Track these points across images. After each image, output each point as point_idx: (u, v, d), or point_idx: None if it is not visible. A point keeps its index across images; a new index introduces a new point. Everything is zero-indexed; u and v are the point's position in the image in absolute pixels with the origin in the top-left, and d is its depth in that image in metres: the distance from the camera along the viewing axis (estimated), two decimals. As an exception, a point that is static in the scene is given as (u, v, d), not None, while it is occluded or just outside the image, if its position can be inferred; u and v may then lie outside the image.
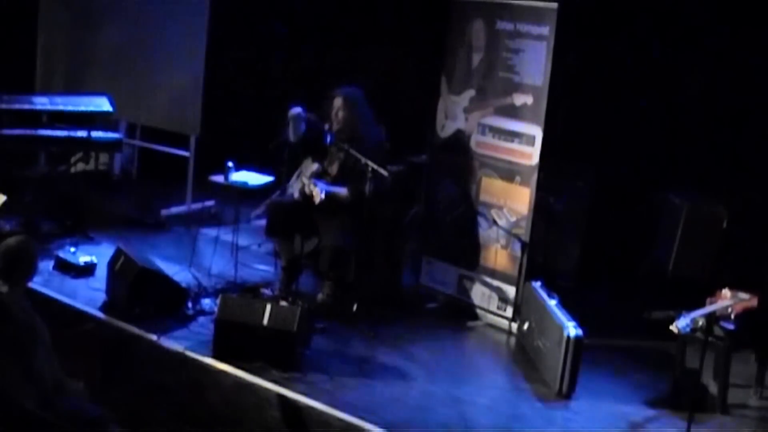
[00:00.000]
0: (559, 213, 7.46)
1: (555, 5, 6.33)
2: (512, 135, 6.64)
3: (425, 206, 7.31)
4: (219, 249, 7.43)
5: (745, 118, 7.50)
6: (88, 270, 6.97)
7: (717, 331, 5.49)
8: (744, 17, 7.42)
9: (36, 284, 5.80)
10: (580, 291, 7.07)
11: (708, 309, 5.41)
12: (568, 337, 5.63)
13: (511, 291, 6.69)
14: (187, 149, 8.74)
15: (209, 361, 5.74)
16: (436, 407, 5.46)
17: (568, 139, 7.41)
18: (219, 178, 7.20)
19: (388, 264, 7.12)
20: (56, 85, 9.30)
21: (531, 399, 5.72)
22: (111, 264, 6.55)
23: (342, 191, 6.58)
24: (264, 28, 9.29)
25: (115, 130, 8.78)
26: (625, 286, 7.43)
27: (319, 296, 6.70)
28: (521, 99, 6.56)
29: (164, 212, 8.55)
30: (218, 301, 5.96)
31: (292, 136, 6.66)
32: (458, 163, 6.98)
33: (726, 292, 5.66)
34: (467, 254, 6.94)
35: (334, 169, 6.71)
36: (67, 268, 6.95)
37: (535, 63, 6.46)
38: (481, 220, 6.87)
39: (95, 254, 7.13)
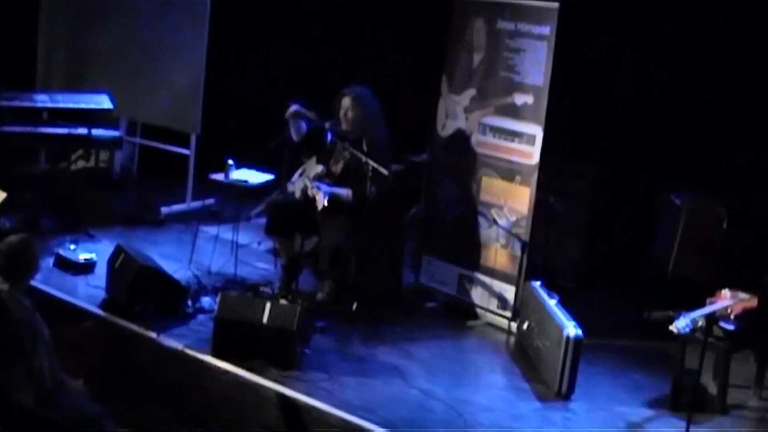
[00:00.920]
0: (559, 213, 7.47)
1: (556, 5, 6.33)
2: (513, 134, 6.64)
3: (425, 205, 7.31)
4: (219, 247, 7.43)
5: (746, 118, 7.49)
6: (88, 267, 6.97)
7: (717, 331, 5.49)
8: (744, 17, 7.42)
9: (36, 281, 5.77)
10: (579, 291, 7.08)
11: (708, 309, 5.41)
12: (568, 337, 5.62)
13: (511, 290, 6.69)
14: (187, 147, 8.74)
15: (209, 359, 5.74)
16: (436, 406, 5.46)
17: (569, 138, 7.42)
18: (219, 176, 7.21)
19: (388, 263, 7.12)
20: (57, 82, 9.31)
21: (530, 399, 5.72)
22: (111, 261, 6.55)
23: (345, 193, 6.57)
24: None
25: (115, 127, 8.78)
26: (624, 286, 7.43)
27: (319, 295, 6.70)
28: (522, 98, 6.56)
29: (164, 210, 8.55)
30: (218, 299, 5.96)
31: (294, 136, 6.65)
32: (459, 162, 6.98)
33: (726, 292, 5.66)
34: (467, 253, 6.94)
35: (338, 168, 6.70)
36: (67, 266, 6.95)
37: (535, 63, 6.45)
38: (481, 220, 6.87)
39: (95, 252, 7.13)
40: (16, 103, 7.87)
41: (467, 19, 6.85)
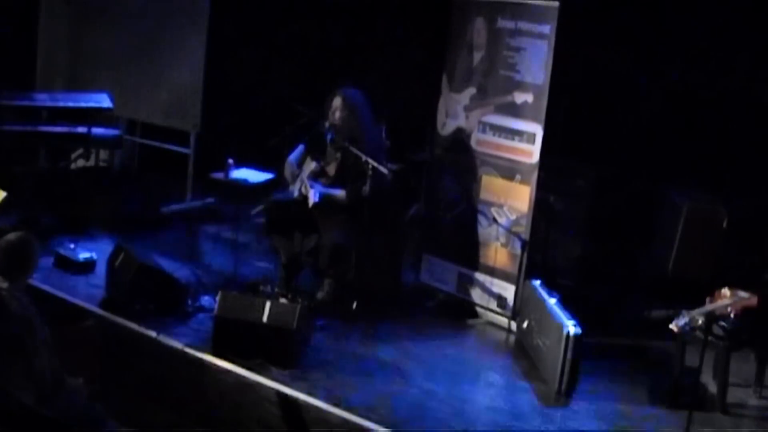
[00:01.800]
0: (559, 211, 7.46)
1: (556, 4, 6.32)
2: (513, 133, 6.64)
3: (425, 204, 7.31)
4: (219, 246, 7.43)
5: (746, 118, 7.50)
6: (88, 266, 6.97)
7: (716, 330, 5.49)
8: (745, 17, 7.42)
9: (36, 280, 5.80)
10: (579, 290, 7.07)
11: (707, 308, 5.40)
12: (568, 335, 5.62)
13: (511, 289, 6.68)
14: (187, 146, 8.75)
15: (208, 358, 5.74)
16: (436, 405, 5.46)
17: (569, 137, 7.41)
18: (219, 175, 7.20)
19: (388, 262, 7.11)
20: (57, 81, 9.31)
21: (530, 397, 5.71)
22: (111, 260, 6.55)
23: (339, 194, 6.58)
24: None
25: (115, 126, 8.78)
26: (624, 285, 7.43)
27: (319, 294, 6.70)
28: (522, 97, 6.56)
29: (164, 209, 8.55)
30: (218, 297, 5.95)
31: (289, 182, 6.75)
32: (459, 161, 6.98)
33: (726, 291, 5.66)
34: (467, 252, 6.94)
35: (332, 170, 6.71)
36: (67, 265, 6.95)
37: (536, 61, 6.45)
38: (481, 218, 6.87)
39: (95, 251, 7.13)
40: (17, 102, 7.88)
41: (467, 17, 6.85)
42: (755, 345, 5.74)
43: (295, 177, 6.80)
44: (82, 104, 8.00)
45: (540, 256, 7.18)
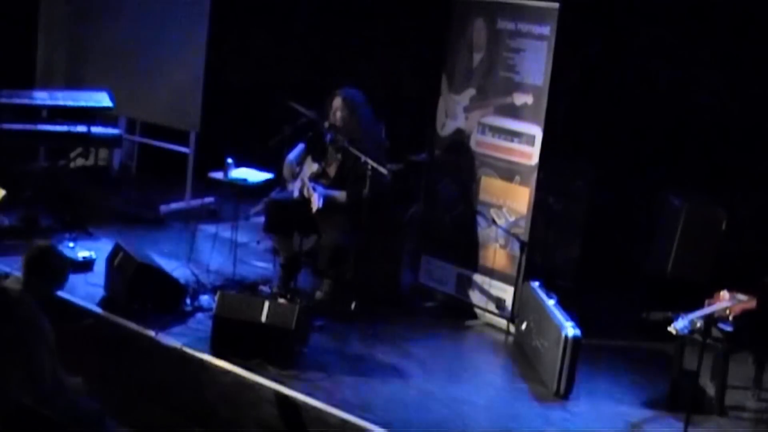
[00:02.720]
0: (558, 213, 7.46)
1: (556, 5, 6.33)
2: (512, 134, 6.64)
3: (425, 205, 7.31)
4: (218, 245, 7.42)
5: (745, 118, 7.49)
6: (87, 265, 6.96)
7: (715, 332, 5.49)
8: (744, 18, 7.42)
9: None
10: (578, 291, 7.07)
11: (706, 310, 5.41)
12: (566, 337, 5.62)
13: (509, 290, 6.69)
14: (186, 145, 8.75)
15: (207, 357, 5.74)
16: (434, 406, 5.46)
17: (568, 138, 7.41)
18: (218, 175, 7.19)
19: (387, 262, 7.11)
20: (56, 80, 9.30)
21: (528, 399, 5.72)
22: (110, 260, 6.55)
23: (340, 195, 6.58)
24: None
25: (114, 125, 8.78)
26: (623, 286, 7.43)
27: (318, 294, 6.71)
28: (521, 98, 6.56)
29: (163, 208, 8.55)
30: (216, 297, 5.95)
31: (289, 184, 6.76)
32: (458, 162, 6.98)
33: (724, 293, 5.67)
34: (466, 253, 6.94)
35: (332, 170, 6.72)
36: (66, 264, 6.94)
37: (535, 62, 6.45)
38: (480, 220, 6.87)
39: (94, 250, 7.12)
40: (16, 101, 7.87)
41: (467, 18, 6.85)
42: (754, 347, 5.74)
43: (294, 176, 6.79)
44: (82, 103, 7.99)
45: (539, 258, 7.17)
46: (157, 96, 8.77)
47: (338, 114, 6.60)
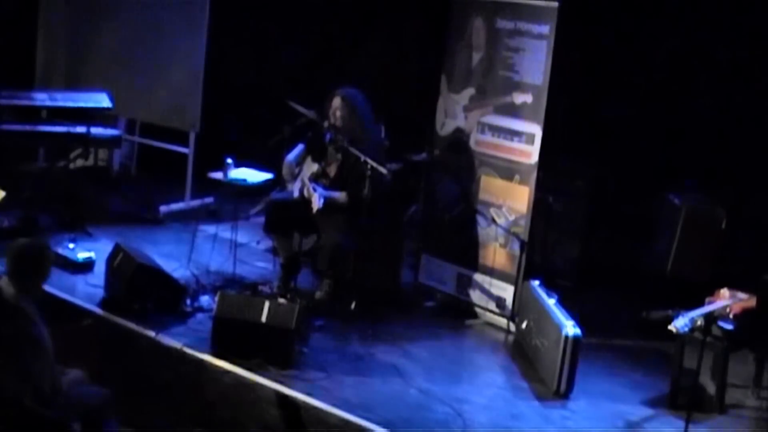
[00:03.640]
0: (558, 212, 7.47)
1: (555, 4, 6.32)
2: (512, 134, 6.64)
3: (424, 204, 7.31)
4: (217, 246, 7.42)
5: (745, 118, 7.49)
6: (87, 266, 6.96)
7: (715, 331, 5.49)
8: (744, 17, 7.42)
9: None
10: (578, 290, 7.08)
11: (706, 309, 5.41)
12: (567, 336, 5.62)
13: (509, 290, 6.68)
14: (186, 146, 8.74)
15: (207, 358, 5.74)
16: (434, 405, 5.46)
17: (568, 138, 7.41)
18: (218, 175, 7.19)
19: (387, 262, 7.12)
20: (56, 80, 9.30)
21: (529, 398, 5.71)
22: (109, 260, 6.55)
23: (340, 196, 6.57)
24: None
25: (114, 126, 8.78)
26: (623, 285, 7.42)
27: (318, 293, 6.71)
28: (521, 98, 6.56)
29: (163, 209, 8.55)
30: (216, 297, 5.95)
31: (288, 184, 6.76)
32: (458, 161, 6.98)
33: (724, 291, 5.68)
34: (466, 253, 6.94)
35: (332, 171, 6.72)
36: (66, 264, 6.94)
37: (535, 62, 6.45)
38: (480, 219, 6.87)
39: (94, 250, 7.12)
40: (16, 102, 7.86)
41: (466, 18, 6.85)
42: (754, 346, 5.74)
43: (294, 176, 6.79)
44: (81, 104, 7.98)
45: (539, 257, 7.18)
46: (156, 96, 8.77)
47: (338, 114, 6.60)
